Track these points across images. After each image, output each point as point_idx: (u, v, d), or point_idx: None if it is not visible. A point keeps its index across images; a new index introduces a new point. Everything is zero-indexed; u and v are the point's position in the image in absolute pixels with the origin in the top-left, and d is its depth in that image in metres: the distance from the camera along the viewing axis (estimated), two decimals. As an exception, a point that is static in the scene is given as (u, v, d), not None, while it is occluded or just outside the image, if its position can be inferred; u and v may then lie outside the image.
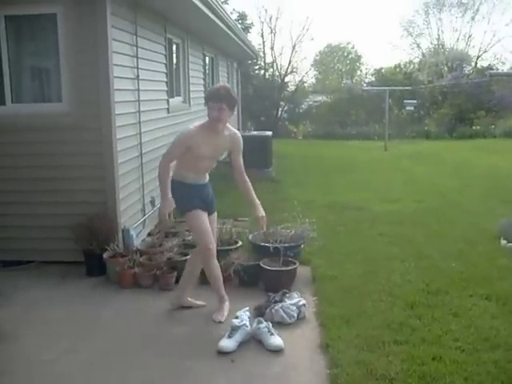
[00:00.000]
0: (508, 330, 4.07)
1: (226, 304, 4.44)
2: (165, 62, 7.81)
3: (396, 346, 3.81)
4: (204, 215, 4.32)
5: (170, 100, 8.06)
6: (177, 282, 5.00)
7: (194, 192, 4.32)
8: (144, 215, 6.56)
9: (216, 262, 4.41)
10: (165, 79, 7.81)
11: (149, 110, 6.80)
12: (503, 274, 5.28)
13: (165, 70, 7.81)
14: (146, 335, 4.14)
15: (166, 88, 7.83)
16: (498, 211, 7.70)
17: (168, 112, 7.89)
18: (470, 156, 15.50)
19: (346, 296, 4.71)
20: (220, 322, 4.26)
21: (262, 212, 4.46)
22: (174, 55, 9.11)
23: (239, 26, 17.45)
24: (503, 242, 6.31)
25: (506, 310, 4.44)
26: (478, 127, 22.97)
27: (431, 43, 32.64)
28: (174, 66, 9.00)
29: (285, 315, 4.21)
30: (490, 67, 28.01)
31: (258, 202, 4.49)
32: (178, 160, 4.30)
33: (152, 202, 6.71)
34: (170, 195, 4.25)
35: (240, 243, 5.47)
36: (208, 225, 4.32)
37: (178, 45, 9.21)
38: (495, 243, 6.35)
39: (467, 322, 4.21)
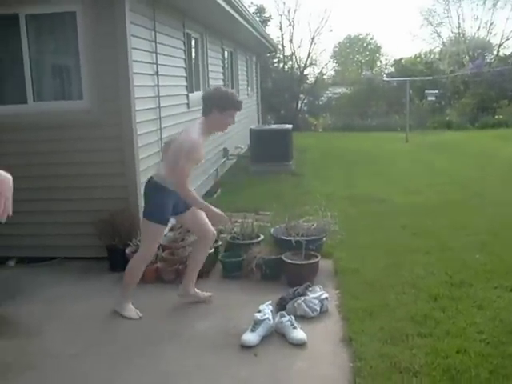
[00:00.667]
0: (533, 323, 4.02)
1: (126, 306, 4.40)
2: (184, 57, 7.83)
3: (420, 338, 3.78)
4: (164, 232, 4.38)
5: (190, 95, 8.08)
6: (199, 276, 5.03)
7: (171, 200, 4.17)
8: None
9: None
10: (184, 74, 7.83)
11: (169, 106, 6.82)
12: (528, 266, 5.22)
13: (184, 65, 7.83)
14: (169, 329, 4.17)
15: (185, 83, 7.85)
16: (522, 201, 7.60)
17: (188, 107, 7.91)
18: (493, 146, 15.30)
19: (368, 289, 4.69)
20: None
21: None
22: (193, 50, 9.13)
23: (257, 19, 17.44)
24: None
25: (532, 302, 4.39)
26: (501, 116, 22.62)
27: (452, 32, 32.28)
28: (193, 61, 9.02)
29: (307, 309, 4.20)
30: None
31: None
32: (171, 166, 4.06)
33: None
34: (210, 206, 4.12)
35: (262, 237, 5.48)
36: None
37: (196, 40, 9.22)
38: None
39: (492, 314, 4.16)
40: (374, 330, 3.91)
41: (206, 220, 4.36)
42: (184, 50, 7.85)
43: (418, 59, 28.69)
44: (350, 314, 4.19)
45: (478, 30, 30.91)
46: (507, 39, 30.26)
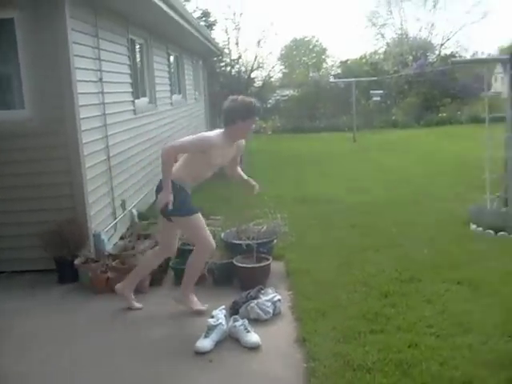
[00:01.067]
0: (480, 314, 4.13)
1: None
2: (128, 62, 7.74)
3: (372, 335, 3.84)
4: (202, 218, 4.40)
5: (136, 101, 7.99)
6: (151, 284, 4.97)
7: (189, 197, 4.37)
8: (115, 219, 6.50)
9: None
10: (129, 80, 7.74)
11: (114, 113, 6.72)
12: (474, 259, 5.37)
13: (129, 71, 7.74)
14: (123, 339, 4.10)
15: (131, 89, 7.76)
16: (466, 196, 7.80)
17: (134, 113, 7.82)
18: (438, 143, 15.71)
19: (320, 289, 4.73)
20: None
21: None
22: (138, 56, 9.03)
23: (203, 23, 17.40)
24: (473, 226, 6.41)
25: (478, 294, 4.51)
26: (445, 114, 23.26)
27: (395, 33, 33.03)
28: (139, 67, 8.93)
29: (260, 311, 4.21)
30: (452, 55, 28.42)
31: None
32: (184, 163, 4.32)
33: (122, 205, 6.64)
34: (170, 188, 4.14)
35: (213, 242, 5.44)
36: None
37: (141, 45, 9.12)
38: (465, 228, 6.45)
39: (441, 307, 4.27)
40: (327, 330, 3.94)
41: (176, 238, 4.60)
42: (128, 56, 7.76)
43: (364, 60, 29.25)
44: (303, 315, 4.22)
45: (420, 30, 31.80)
46: (448, 39, 31.19)
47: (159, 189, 4.29)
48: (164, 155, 4.15)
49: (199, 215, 4.34)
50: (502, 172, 6.61)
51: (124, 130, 7.12)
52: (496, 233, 6.13)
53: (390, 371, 3.35)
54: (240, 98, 4.43)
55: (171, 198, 4.14)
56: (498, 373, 3.31)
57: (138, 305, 4.63)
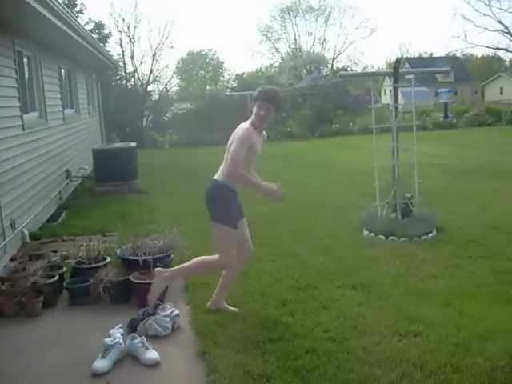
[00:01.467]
0: (373, 316, 4.32)
1: None
2: (15, 76, 7.41)
3: (271, 344, 3.89)
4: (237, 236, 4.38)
5: (25, 116, 7.66)
6: (44, 306, 4.75)
7: (237, 202, 4.43)
8: (4, 239, 6.18)
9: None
10: (17, 94, 7.41)
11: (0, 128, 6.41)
12: (367, 263, 5.60)
13: (16, 85, 7.41)
14: (16, 365, 3.88)
15: (18, 103, 7.43)
16: (358, 204, 8.14)
17: (23, 129, 7.48)
18: (332, 153, 16.26)
19: (220, 301, 4.73)
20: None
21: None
22: (26, 69, 8.68)
23: (96, 36, 17.02)
24: (365, 232, 6.68)
25: (371, 297, 4.71)
26: (338, 125, 24.17)
27: (289, 47, 33.96)
28: (27, 80, 8.58)
29: (159, 328, 4.14)
30: (344, 68, 29.62)
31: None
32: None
33: (12, 225, 6.34)
34: (263, 184, 4.19)
35: (108, 259, 5.30)
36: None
37: (29, 58, 8.78)
38: (358, 235, 6.71)
39: (336, 312, 4.40)
40: (227, 341, 3.95)
41: (248, 236, 4.56)
42: (15, 69, 7.43)
43: (260, 73, 29.80)
44: (202, 328, 4.20)
45: (313, 45, 32.90)
46: (340, 53, 32.47)
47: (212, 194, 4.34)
48: (237, 178, 4.20)
49: (232, 230, 4.28)
50: (390, 179, 6.94)
51: (12, 147, 6.79)
52: (387, 238, 6.42)
53: (289, 378, 3.42)
54: (263, 86, 4.57)
55: (271, 185, 4.20)
56: (391, 371, 3.47)
57: (234, 309, 4.58)
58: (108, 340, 3.80)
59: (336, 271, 5.38)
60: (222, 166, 4.38)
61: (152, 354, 3.78)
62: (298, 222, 7.57)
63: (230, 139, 4.30)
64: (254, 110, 4.27)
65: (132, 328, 4.19)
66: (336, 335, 4.00)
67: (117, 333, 3.90)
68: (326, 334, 4.03)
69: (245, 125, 4.28)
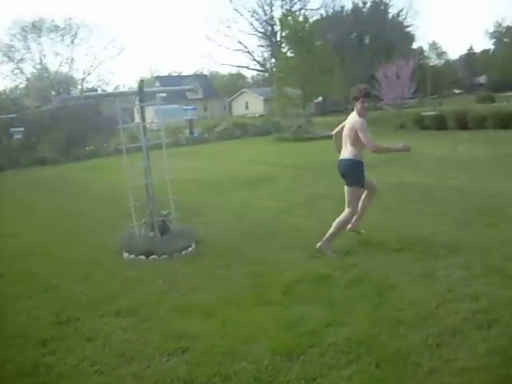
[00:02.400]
0: (140, 340, 4.27)
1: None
2: None
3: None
4: None
5: None
6: None
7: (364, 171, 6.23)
8: None
9: None
10: None
11: None
12: (129, 286, 5.51)
13: None
14: None
15: None
16: (118, 226, 7.91)
17: None
18: (86, 177, 15.82)
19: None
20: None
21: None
22: None
23: None
24: (125, 254, 6.57)
25: (136, 320, 4.65)
26: (92, 147, 23.58)
27: (35, 68, 32.29)
28: None
29: None
30: (94, 89, 29.13)
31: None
32: (355, 143, 6.01)
33: None
34: (395, 146, 6.28)
35: None
36: None
37: None
38: (119, 258, 6.56)
39: (101, 342, 4.26)
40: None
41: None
42: None
43: (3, 96, 27.84)
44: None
45: (61, 65, 31.73)
46: (89, 74, 31.82)
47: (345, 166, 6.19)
48: (377, 150, 6.07)
49: (359, 189, 6.22)
50: (145, 198, 6.93)
51: None
52: (147, 257, 6.40)
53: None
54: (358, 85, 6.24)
55: (403, 145, 6.14)
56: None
57: (333, 254, 6.02)
58: None
59: (97, 299, 5.17)
60: (348, 148, 6.09)
61: None
62: (52, 253, 7.07)
63: (349, 125, 6.05)
64: (360, 105, 5.97)
65: None
66: (103, 367, 3.87)
67: None
68: (93, 367, 3.88)
69: (357, 117, 5.97)
